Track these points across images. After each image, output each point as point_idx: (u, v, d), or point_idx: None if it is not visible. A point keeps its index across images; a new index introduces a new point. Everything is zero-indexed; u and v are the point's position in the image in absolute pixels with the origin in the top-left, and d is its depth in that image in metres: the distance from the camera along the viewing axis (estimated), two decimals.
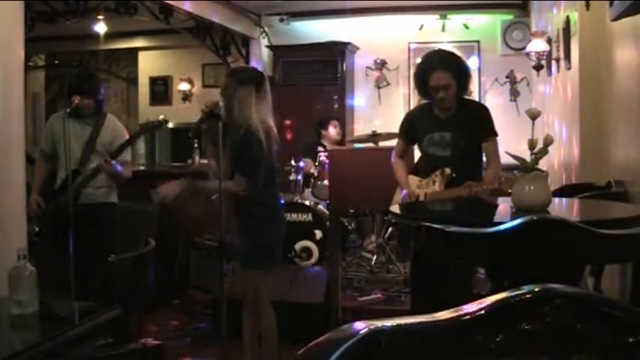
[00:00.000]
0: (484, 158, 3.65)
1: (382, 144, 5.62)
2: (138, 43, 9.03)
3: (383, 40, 8.00)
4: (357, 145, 6.36)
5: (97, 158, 3.86)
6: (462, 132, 3.44)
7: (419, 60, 3.78)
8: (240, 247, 3.27)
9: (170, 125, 7.55)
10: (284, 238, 3.47)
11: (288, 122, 7.83)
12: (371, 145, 5.81)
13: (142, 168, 7.39)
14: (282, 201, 3.79)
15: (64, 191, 3.73)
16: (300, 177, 5.84)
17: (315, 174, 5.89)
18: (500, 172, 3.42)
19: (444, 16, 7.76)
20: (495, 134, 3.50)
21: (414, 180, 3.57)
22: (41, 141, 4.14)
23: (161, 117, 4.02)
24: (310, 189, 5.93)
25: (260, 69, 8.16)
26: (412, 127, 3.63)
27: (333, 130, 6.54)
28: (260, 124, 3.24)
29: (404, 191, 3.52)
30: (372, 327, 0.75)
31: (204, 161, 6.79)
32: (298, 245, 5.36)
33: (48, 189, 3.91)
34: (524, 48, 6.23)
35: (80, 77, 4.31)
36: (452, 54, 3.61)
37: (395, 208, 2.86)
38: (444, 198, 3.31)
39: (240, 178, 3.27)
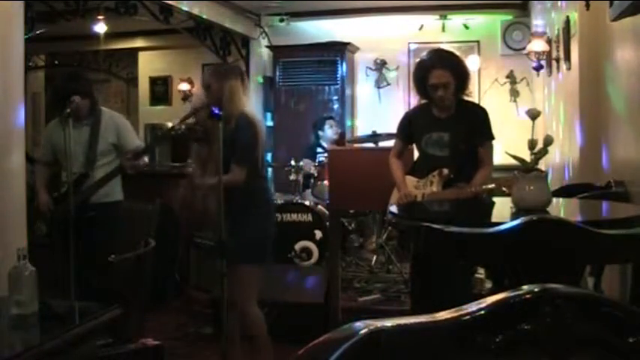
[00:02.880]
0: None
1: (382, 144, 5.62)
2: (138, 43, 9.03)
3: (383, 40, 8.01)
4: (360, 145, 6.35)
5: (104, 155, 3.87)
6: (461, 133, 3.44)
7: (418, 59, 3.78)
8: (229, 244, 3.24)
9: (170, 125, 7.54)
10: (274, 234, 3.43)
11: (287, 122, 7.83)
12: (371, 145, 5.82)
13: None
14: (273, 196, 3.78)
15: (71, 193, 3.72)
16: (300, 177, 5.85)
17: (315, 174, 5.90)
18: (490, 175, 3.43)
19: (444, 16, 7.76)
20: (492, 138, 3.49)
21: (411, 180, 3.57)
22: (41, 148, 4.14)
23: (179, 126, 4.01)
24: (310, 189, 5.93)
25: (260, 69, 8.20)
26: (410, 127, 3.63)
27: (329, 131, 6.53)
28: (251, 113, 3.31)
29: (401, 193, 3.52)
30: (372, 327, 0.75)
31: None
32: (298, 245, 5.36)
33: (54, 191, 3.92)
34: (524, 48, 6.24)
35: (70, 78, 4.25)
36: (451, 53, 3.62)
37: (394, 209, 2.86)
38: (442, 199, 3.31)
39: (237, 167, 3.22)
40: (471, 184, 3.33)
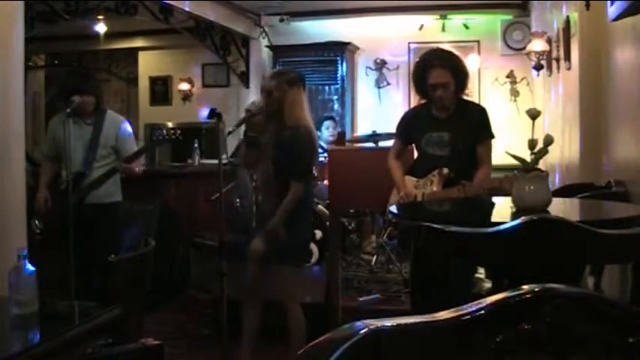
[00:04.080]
0: None
1: (382, 144, 5.62)
2: (138, 43, 9.03)
3: (383, 40, 8.01)
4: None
5: (103, 157, 3.87)
6: (461, 132, 3.44)
7: (417, 59, 3.77)
8: (277, 245, 3.32)
9: (170, 125, 7.54)
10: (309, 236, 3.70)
11: None
12: (371, 145, 5.82)
13: (141, 168, 7.38)
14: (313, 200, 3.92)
15: (67, 192, 3.73)
16: None
17: (315, 174, 5.89)
18: (490, 174, 3.43)
19: (444, 16, 7.76)
20: (491, 137, 3.50)
21: (410, 180, 3.56)
22: (45, 145, 4.14)
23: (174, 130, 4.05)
24: None
25: (260, 69, 8.20)
26: (410, 127, 3.63)
27: (326, 132, 6.53)
28: (309, 125, 3.37)
29: (402, 193, 3.52)
30: (372, 327, 0.75)
31: (205, 161, 6.80)
32: None
33: (53, 190, 3.92)
34: (524, 48, 6.23)
35: (77, 76, 4.30)
36: (451, 53, 3.61)
37: (394, 209, 2.86)
38: (442, 198, 3.31)
39: (297, 184, 3.31)
40: (473, 184, 3.33)
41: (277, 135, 3.33)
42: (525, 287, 0.77)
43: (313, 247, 5.39)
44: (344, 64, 7.74)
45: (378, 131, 5.85)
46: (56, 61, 9.61)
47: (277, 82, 3.37)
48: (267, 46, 8.07)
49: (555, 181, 5.08)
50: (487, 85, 7.76)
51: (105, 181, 3.84)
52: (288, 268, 3.40)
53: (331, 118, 6.83)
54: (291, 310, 3.41)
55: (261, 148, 3.38)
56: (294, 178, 3.30)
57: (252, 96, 7.60)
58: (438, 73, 3.37)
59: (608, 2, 2.69)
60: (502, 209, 2.80)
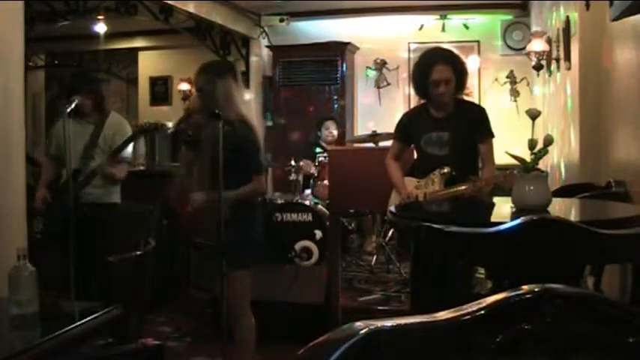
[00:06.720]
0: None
1: (382, 144, 5.63)
2: (138, 43, 9.03)
3: (383, 40, 8.01)
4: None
5: (100, 155, 3.87)
6: (460, 131, 3.45)
7: (418, 57, 3.77)
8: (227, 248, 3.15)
9: (170, 125, 7.54)
10: (262, 237, 3.36)
11: (287, 122, 7.83)
12: (371, 145, 5.82)
13: (141, 168, 7.38)
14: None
15: (65, 190, 3.73)
16: (300, 177, 5.85)
17: (315, 174, 5.90)
18: (495, 172, 3.44)
19: (444, 16, 7.76)
20: (492, 136, 3.50)
21: (411, 181, 3.57)
22: (49, 144, 4.15)
23: (160, 122, 4.02)
24: (310, 189, 5.94)
25: (260, 69, 8.19)
26: (409, 128, 3.64)
27: (325, 132, 6.54)
28: (245, 116, 3.21)
29: (403, 194, 3.52)
30: (372, 327, 0.75)
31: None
32: (298, 245, 5.37)
33: (52, 189, 3.93)
34: (524, 48, 6.24)
35: (77, 77, 4.32)
36: (452, 51, 3.64)
37: (394, 209, 2.86)
38: (445, 197, 3.31)
39: (258, 176, 3.22)
40: (482, 180, 3.34)
41: (216, 131, 3.09)
42: (525, 287, 0.77)
43: (313, 246, 5.40)
44: (344, 64, 7.74)
45: (378, 131, 5.86)
46: (56, 61, 9.62)
47: (206, 76, 3.20)
48: (267, 46, 8.07)
49: (555, 181, 5.08)
50: (487, 85, 7.76)
51: (93, 178, 3.83)
52: (234, 271, 3.14)
53: (331, 118, 6.83)
54: (242, 315, 3.21)
55: (199, 146, 3.17)
56: (255, 173, 3.18)
57: (252, 95, 7.61)
58: (441, 69, 3.38)
59: (608, 2, 2.69)
60: (502, 209, 2.80)
